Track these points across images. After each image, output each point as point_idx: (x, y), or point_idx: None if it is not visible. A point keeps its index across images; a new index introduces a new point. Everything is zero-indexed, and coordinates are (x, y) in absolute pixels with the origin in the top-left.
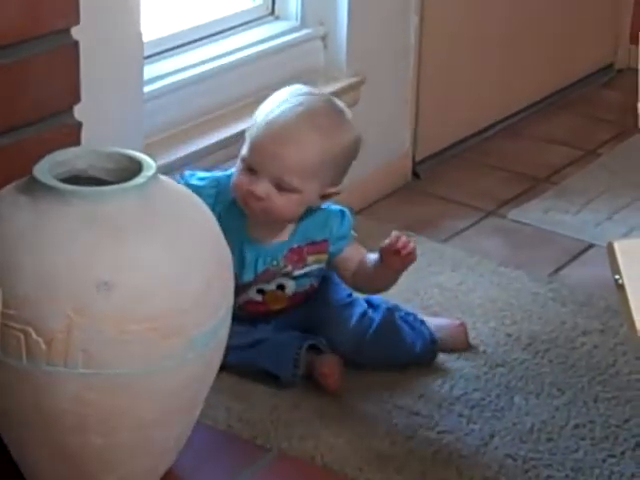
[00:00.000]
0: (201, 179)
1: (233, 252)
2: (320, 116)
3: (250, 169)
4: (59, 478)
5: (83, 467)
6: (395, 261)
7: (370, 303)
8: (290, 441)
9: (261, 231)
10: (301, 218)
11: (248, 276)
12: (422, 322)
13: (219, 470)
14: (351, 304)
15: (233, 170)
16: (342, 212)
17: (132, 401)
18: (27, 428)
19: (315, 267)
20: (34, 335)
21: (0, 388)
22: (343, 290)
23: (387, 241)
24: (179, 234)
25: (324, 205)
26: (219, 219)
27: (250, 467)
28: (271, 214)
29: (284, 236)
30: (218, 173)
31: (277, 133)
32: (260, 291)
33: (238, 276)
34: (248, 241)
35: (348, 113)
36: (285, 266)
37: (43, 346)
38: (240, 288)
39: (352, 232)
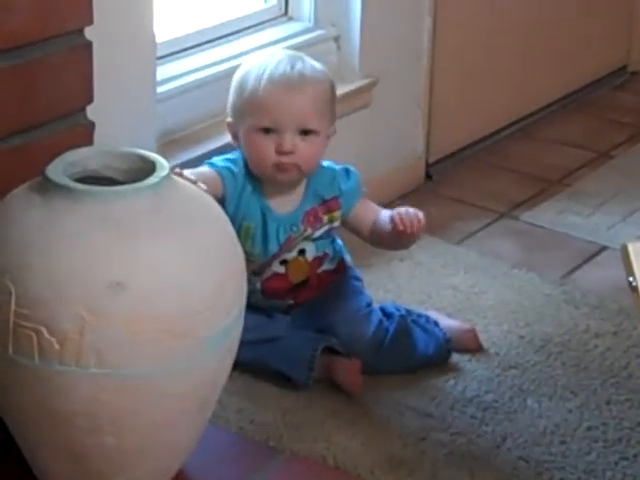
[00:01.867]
0: (231, 161)
1: (256, 229)
2: (306, 60)
3: (266, 131)
4: (70, 478)
5: (94, 467)
6: (405, 236)
7: (384, 312)
8: (302, 443)
9: (278, 200)
10: (309, 179)
11: (272, 248)
12: (435, 323)
13: (230, 472)
14: (369, 314)
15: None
16: (347, 169)
17: (144, 402)
18: (38, 428)
19: (330, 226)
20: (47, 335)
21: (12, 387)
22: (362, 300)
23: (390, 223)
24: (192, 235)
25: (328, 165)
26: (250, 197)
27: (262, 469)
28: (302, 167)
29: (298, 201)
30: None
31: (286, 83)
32: (283, 262)
33: (263, 251)
34: (269, 214)
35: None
36: (305, 230)
37: (56, 346)
38: (264, 264)
39: (363, 189)
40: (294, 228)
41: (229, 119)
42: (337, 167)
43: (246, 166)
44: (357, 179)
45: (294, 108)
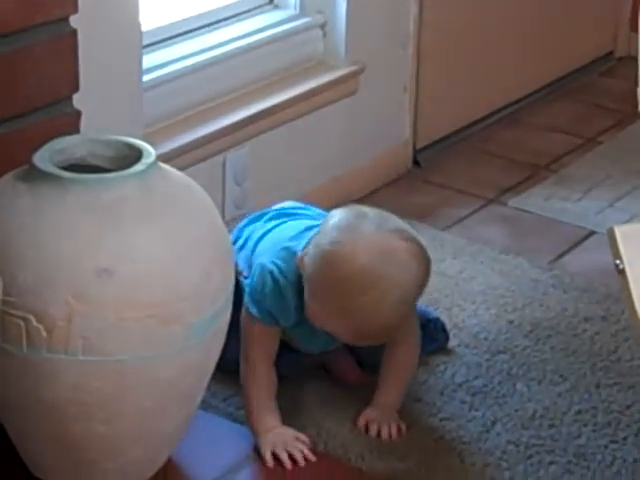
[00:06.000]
0: (286, 262)
1: (298, 331)
2: (415, 296)
3: None
4: (61, 466)
5: (85, 455)
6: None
7: None
8: (292, 429)
9: None
10: None
11: (313, 351)
12: (443, 327)
13: (220, 458)
14: None
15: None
16: None
17: (132, 388)
18: (28, 416)
19: None
20: (34, 322)
21: (1, 377)
22: None
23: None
24: (179, 221)
25: None
26: (290, 304)
27: (251, 455)
28: None
29: None
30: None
31: (381, 331)
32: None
33: (303, 345)
34: (317, 334)
35: (419, 246)
36: (338, 348)
37: (44, 333)
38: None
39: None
40: (330, 347)
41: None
42: None
43: (298, 278)
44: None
45: (366, 341)
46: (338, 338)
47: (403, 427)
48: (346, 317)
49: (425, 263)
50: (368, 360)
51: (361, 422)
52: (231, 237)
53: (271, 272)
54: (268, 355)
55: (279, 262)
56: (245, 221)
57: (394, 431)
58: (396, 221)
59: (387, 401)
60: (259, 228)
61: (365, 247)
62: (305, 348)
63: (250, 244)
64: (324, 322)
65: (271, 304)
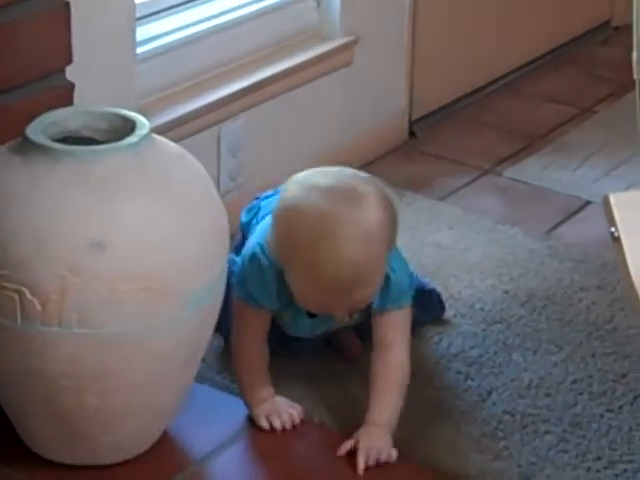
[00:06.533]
0: (266, 240)
1: (285, 314)
2: (380, 235)
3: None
4: (56, 439)
5: (80, 428)
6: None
7: None
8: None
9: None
10: None
11: (301, 334)
12: (439, 297)
13: (216, 431)
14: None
15: None
16: (387, 277)
17: (127, 361)
18: (23, 391)
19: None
20: (29, 295)
21: None
22: None
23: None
24: (173, 193)
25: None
26: (278, 285)
27: (248, 427)
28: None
29: None
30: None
31: (353, 277)
32: None
33: (291, 330)
34: (303, 316)
35: (384, 192)
36: (336, 326)
37: (38, 307)
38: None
39: (404, 303)
40: (327, 328)
41: (272, 246)
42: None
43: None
44: (398, 290)
45: (354, 297)
46: (327, 315)
47: (394, 455)
48: (314, 277)
49: (382, 203)
50: (367, 332)
51: (347, 445)
52: (250, 208)
53: (254, 254)
54: (258, 330)
55: (265, 243)
56: (267, 193)
57: (383, 457)
58: (345, 171)
59: (378, 418)
60: (271, 203)
61: (308, 200)
62: (295, 333)
63: (258, 220)
64: (304, 297)
65: (253, 288)
